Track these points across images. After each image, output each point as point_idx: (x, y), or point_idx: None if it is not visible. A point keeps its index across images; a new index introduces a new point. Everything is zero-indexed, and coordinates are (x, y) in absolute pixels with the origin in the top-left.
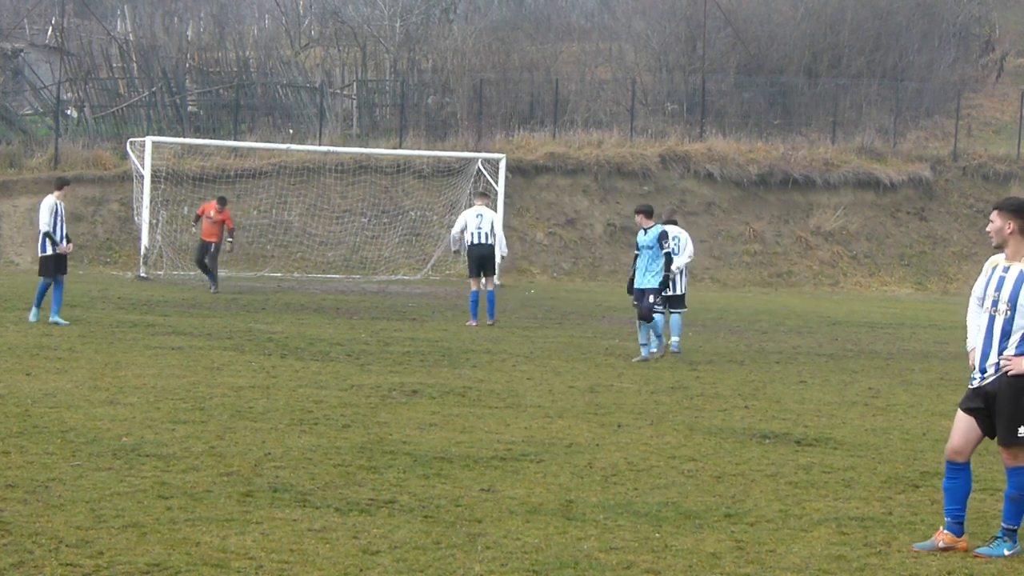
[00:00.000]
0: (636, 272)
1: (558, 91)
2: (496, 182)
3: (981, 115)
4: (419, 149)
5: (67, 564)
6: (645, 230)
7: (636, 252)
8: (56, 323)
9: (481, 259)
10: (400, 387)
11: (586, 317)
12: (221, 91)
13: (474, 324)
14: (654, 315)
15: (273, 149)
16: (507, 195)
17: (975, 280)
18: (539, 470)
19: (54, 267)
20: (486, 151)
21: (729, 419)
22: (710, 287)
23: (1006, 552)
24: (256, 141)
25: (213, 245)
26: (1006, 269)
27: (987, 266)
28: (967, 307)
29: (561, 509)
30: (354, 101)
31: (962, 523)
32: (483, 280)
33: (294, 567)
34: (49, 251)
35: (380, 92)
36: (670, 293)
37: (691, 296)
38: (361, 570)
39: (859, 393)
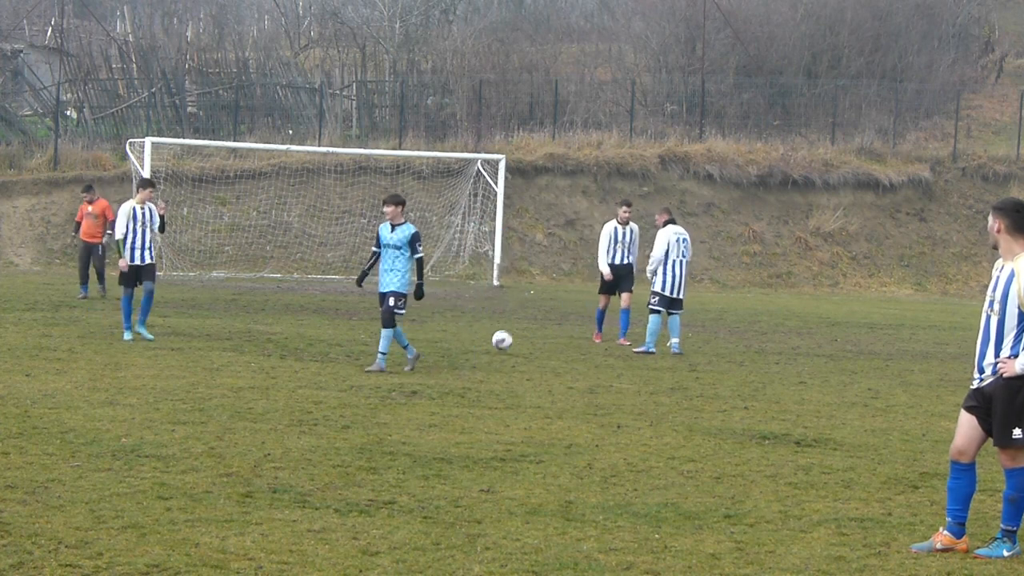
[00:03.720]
0: (379, 272)
1: (557, 92)
2: (496, 183)
3: (980, 116)
4: (418, 150)
5: (66, 565)
6: (394, 226)
7: (375, 249)
8: (140, 335)
9: (619, 278)
10: (399, 388)
11: (585, 318)
12: (220, 92)
13: (599, 339)
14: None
15: (272, 150)
16: (506, 196)
17: (974, 281)
18: (538, 471)
19: (133, 276)
20: (485, 152)
21: (728, 420)
22: (709, 288)
23: (1005, 553)
24: (255, 142)
25: (100, 247)
26: (1000, 269)
27: (995, 267)
28: (970, 308)
29: (560, 510)
30: (353, 102)
31: (963, 524)
32: (621, 296)
33: (293, 568)
34: (127, 259)
35: (379, 93)
36: (672, 296)
37: (691, 297)
38: (360, 571)
39: (858, 394)
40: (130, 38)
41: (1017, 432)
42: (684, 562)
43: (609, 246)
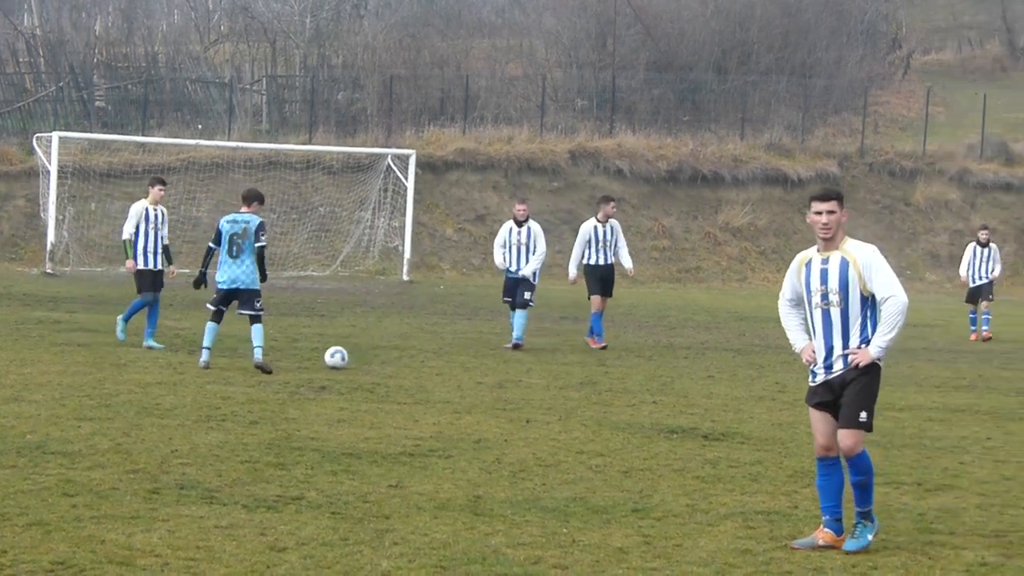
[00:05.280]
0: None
1: (468, 87)
2: (406, 178)
3: (888, 112)
4: (329, 145)
5: None
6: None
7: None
8: (151, 348)
9: (603, 279)
10: (308, 383)
11: (495, 313)
12: (129, 86)
13: (601, 345)
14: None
15: (182, 145)
16: (417, 191)
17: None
18: (447, 466)
19: (151, 280)
20: (396, 147)
21: (637, 414)
22: (619, 283)
23: (870, 537)
24: (165, 137)
25: None
26: (825, 261)
27: (798, 264)
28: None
29: (469, 505)
30: (263, 97)
31: (840, 520)
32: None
33: (200, 564)
34: (140, 263)
35: (290, 88)
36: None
37: None
38: (268, 567)
39: (766, 388)
40: (37, 31)
41: (863, 415)
42: (592, 556)
43: (587, 247)
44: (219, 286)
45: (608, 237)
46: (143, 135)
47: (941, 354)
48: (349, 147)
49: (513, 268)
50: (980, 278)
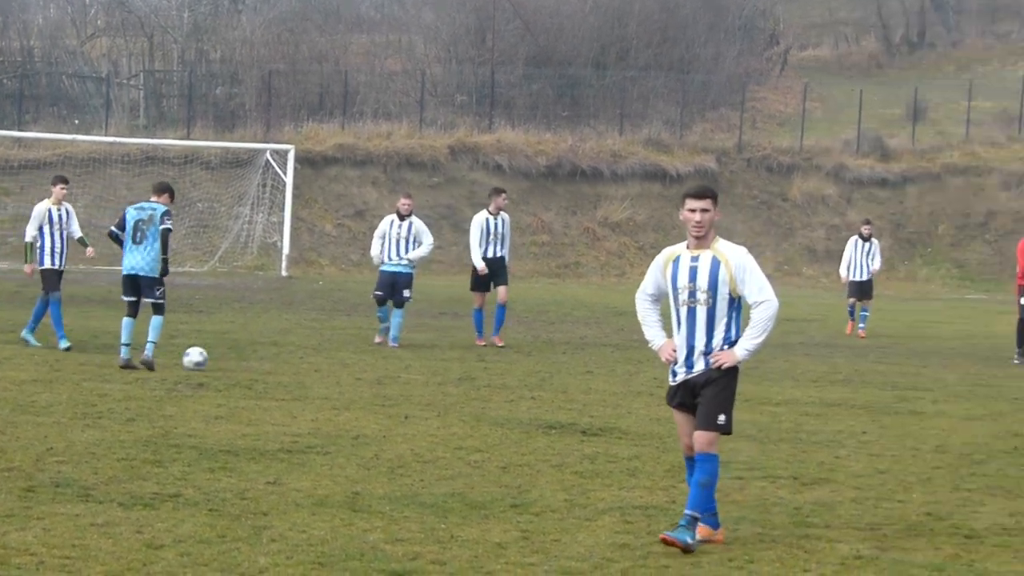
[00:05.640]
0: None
1: (347, 82)
2: (284, 173)
3: (765, 107)
4: (207, 140)
5: None
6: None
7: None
8: (26, 341)
9: (492, 272)
10: (186, 380)
11: (374, 309)
12: (4, 80)
13: (482, 342)
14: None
15: (58, 140)
16: (296, 186)
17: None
18: (326, 462)
19: (57, 280)
20: (275, 142)
21: (516, 410)
22: None
23: (689, 540)
24: (40, 131)
25: None
26: (695, 259)
27: (664, 260)
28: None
29: (347, 501)
30: (141, 91)
31: (715, 514)
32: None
33: (76, 563)
34: (47, 263)
35: (168, 82)
36: None
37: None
38: (144, 564)
39: (644, 383)
40: None
41: (722, 418)
42: (470, 551)
43: (481, 239)
44: (122, 273)
45: (500, 229)
46: (18, 130)
47: (818, 349)
48: (227, 142)
49: (390, 260)
50: (860, 271)
